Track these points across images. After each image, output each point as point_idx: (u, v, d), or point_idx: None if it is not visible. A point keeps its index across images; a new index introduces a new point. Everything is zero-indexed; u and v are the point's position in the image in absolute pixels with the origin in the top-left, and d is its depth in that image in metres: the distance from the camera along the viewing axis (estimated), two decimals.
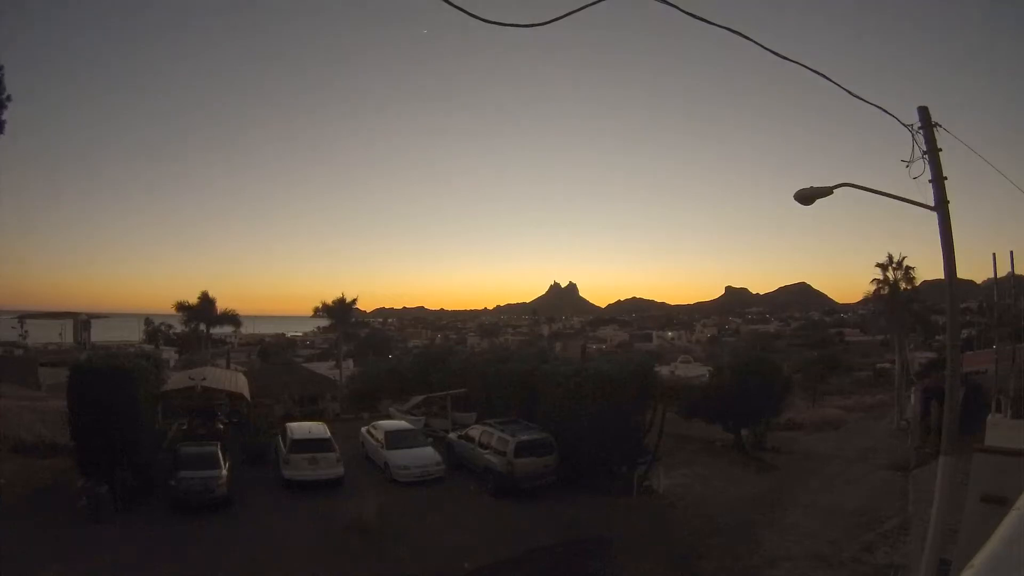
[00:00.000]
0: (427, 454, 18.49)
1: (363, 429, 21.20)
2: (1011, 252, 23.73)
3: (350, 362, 45.32)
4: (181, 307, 42.03)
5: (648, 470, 18.17)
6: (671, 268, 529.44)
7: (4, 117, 15.21)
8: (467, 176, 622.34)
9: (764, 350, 48.39)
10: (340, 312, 45.19)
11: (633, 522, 15.19)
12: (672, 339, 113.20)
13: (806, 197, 8.94)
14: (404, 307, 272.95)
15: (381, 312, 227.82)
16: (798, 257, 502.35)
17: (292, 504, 15.46)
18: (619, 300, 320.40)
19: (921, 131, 8.64)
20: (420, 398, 27.50)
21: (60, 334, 63.82)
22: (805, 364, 40.57)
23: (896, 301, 31.97)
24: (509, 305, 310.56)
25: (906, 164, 8.64)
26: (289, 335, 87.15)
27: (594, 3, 5.47)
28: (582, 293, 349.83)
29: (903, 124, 8.68)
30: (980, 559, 1.65)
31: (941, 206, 8.61)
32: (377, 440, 19.44)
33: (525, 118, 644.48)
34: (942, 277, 8.95)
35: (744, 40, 6.53)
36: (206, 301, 42.19)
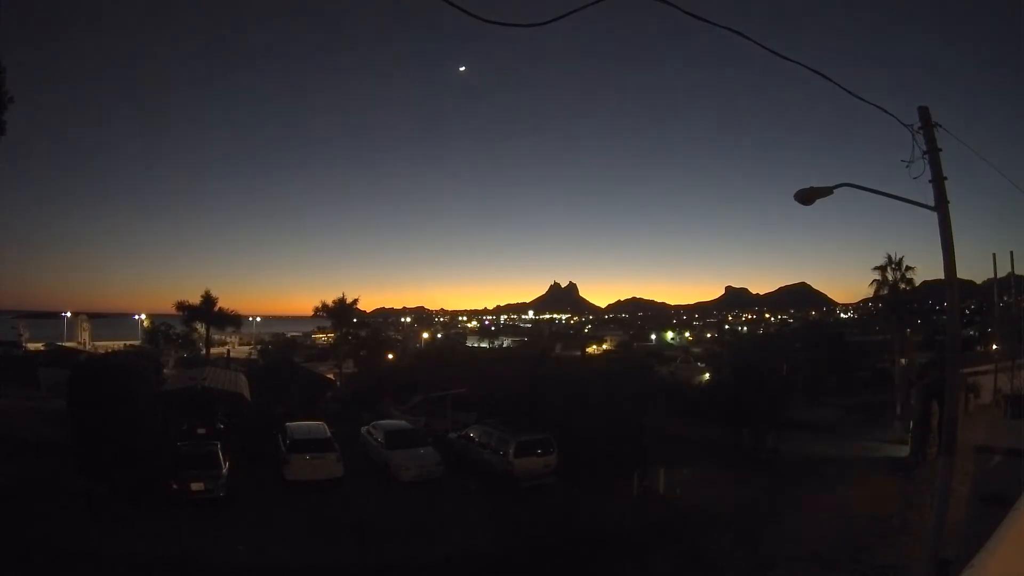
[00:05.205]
0: (427, 454, 18.50)
1: (363, 429, 21.21)
2: (1011, 252, 23.81)
3: (350, 362, 45.25)
4: (182, 307, 41.97)
5: (648, 470, 18.16)
6: (671, 268, 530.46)
7: (5, 118, 15.25)
8: (467, 176, 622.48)
9: (764, 350, 48.34)
10: (340, 312, 45.19)
11: (633, 522, 15.18)
12: (672, 339, 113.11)
13: (806, 197, 8.96)
14: (404, 307, 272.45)
15: (381, 312, 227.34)
16: (798, 257, 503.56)
17: (292, 504, 15.45)
18: (619, 300, 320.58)
19: (921, 131, 8.65)
20: (420, 398, 27.53)
21: (60, 334, 63.79)
22: (805, 364, 40.57)
23: (896, 301, 31.99)
24: (509, 305, 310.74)
25: (906, 164, 8.66)
26: (289, 335, 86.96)
27: (594, 3, 5.47)
28: (582, 293, 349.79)
29: (903, 124, 8.70)
30: (980, 559, 1.65)
31: (941, 206, 8.62)
32: (377, 440, 19.45)
33: (525, 117, 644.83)
34: (942, 277, 8.96)
35: (744, 40, 6.54)
36: (208, 301, 42.15)
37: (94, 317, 70.28)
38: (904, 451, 22.26)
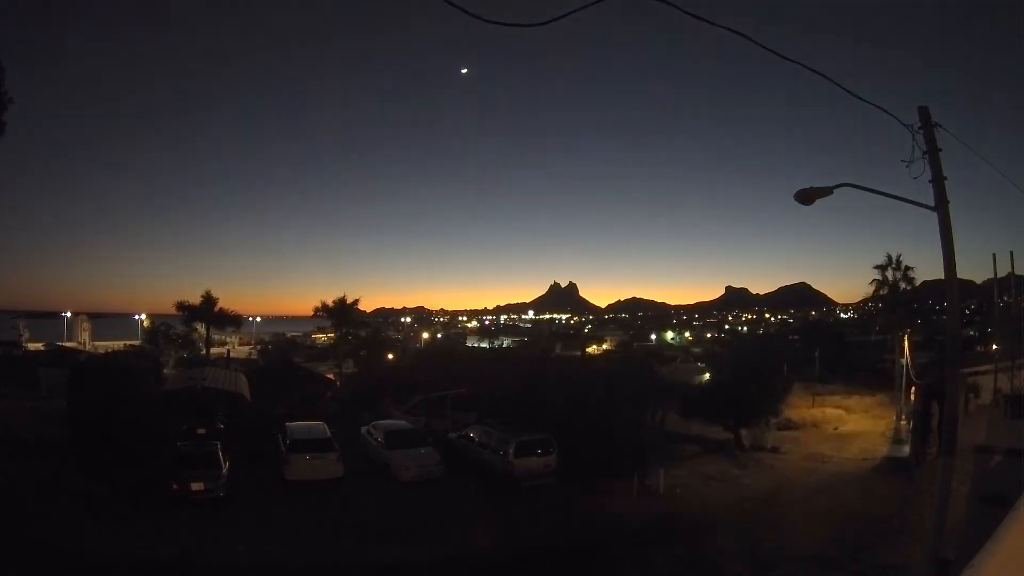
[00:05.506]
0: (427, 454, 18.49)
1: (363, 429, 21.20)
2: (1011, 252, 23.81)
3: (350, 362, 45.22)
4: (182, 307, 41.91)
5: (648, 470, 18.17)
6: (671, 268, 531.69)
7: (5, 118, 15.25)
8: (467, 176, 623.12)
9: (764, 350, 48.33)
10: (340, 312, 45.11)
11: (633, 522, 15.19)
12: (672, 339, 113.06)
13: (806, 197, 8.96)
14: (404, 307, 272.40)
15: (381, 312, 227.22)
16: (798, 257, 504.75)
17: (292, 504, 15.45)
18: (619, 300, 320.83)
19: (921, 131, 8.65)
20: (420, 398, 27.51)
21: (61, 334, 63.78)
22: (805, 364, 40.58)
23: (895, 301, 32.01)
24: (509, 305, 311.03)
25: (906, 164, 8.65)
26: (289, 335, 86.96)
27: (594, 3, 5.47)
28: (582, 293, 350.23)
29: (903, 124, 8.69)
30: (980, 559, 1.65)
31: (941, 206, 8.62)
32: (377, 440, 19.45)
33: (525, 117, 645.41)
34: (942, 277, 8.96)
35: (744, 40, 6.54)
36: (208, 301, 42.10)
37: (94, 317, 70.27)
38: (904, 451, 22.27)
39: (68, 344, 56.83)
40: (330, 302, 44.92)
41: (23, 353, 46.16)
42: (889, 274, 31.88)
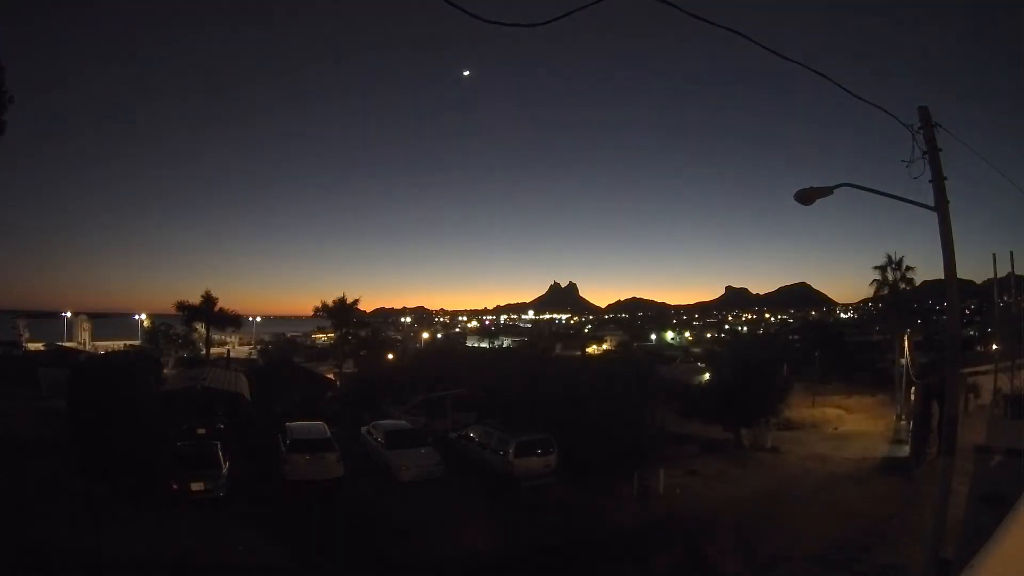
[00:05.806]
0: (427, 454, 18.48)
1: (363, 429, 21.20)
2: (1011, 252, 23.77)
3: (350, 362, 45.25)
4: (182, 307, 41.95)
5: (648, 470, 18.16)
6: (671, 268, 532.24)
7: (5, 118, 15.25)
8: (468, 177, 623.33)
9: (764, 350, 48.33)
10: (340, 312, 45.22)
11: (633, 522, 15.19)
12: (672, 339, 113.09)
13: (806, 197, 8.96)
14: (404, 307, 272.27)
15: (381, 312, 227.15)
16: (798, 257, 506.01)
17: (292, 504, 15.45)
18: (619, 300, 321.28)
19: (921, 131, 8.65)
20: (420, 398, 27.52)
21: (61, 334, 63.81)
22: (805, 364, 40.58)
23: (896, 301, 32.05)
24: (509, 305, 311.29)
25: (906, 164, 8.65)
26: (289, 335, 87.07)
27: (594, 3, 5.47)
28: (582, 293, 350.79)
29: (903, 124, 8.70)
30: (980, 559, 1.65)
31: (941, 206, 8.62)
32: (377, 440, 19.44)
33: (526, 119, 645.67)
34: (942, 277, 8.96)
35: (744, 40, 6.54)
36: (208, 301, 42.12)
37: (94, 317, 70.39)
38: (904, 451, 22.27)
39: (68, 344, 56.91)
40: (330, 302, 45.06)
41: (23, 353, 46.28)
42: (889, 274, 31.93)
